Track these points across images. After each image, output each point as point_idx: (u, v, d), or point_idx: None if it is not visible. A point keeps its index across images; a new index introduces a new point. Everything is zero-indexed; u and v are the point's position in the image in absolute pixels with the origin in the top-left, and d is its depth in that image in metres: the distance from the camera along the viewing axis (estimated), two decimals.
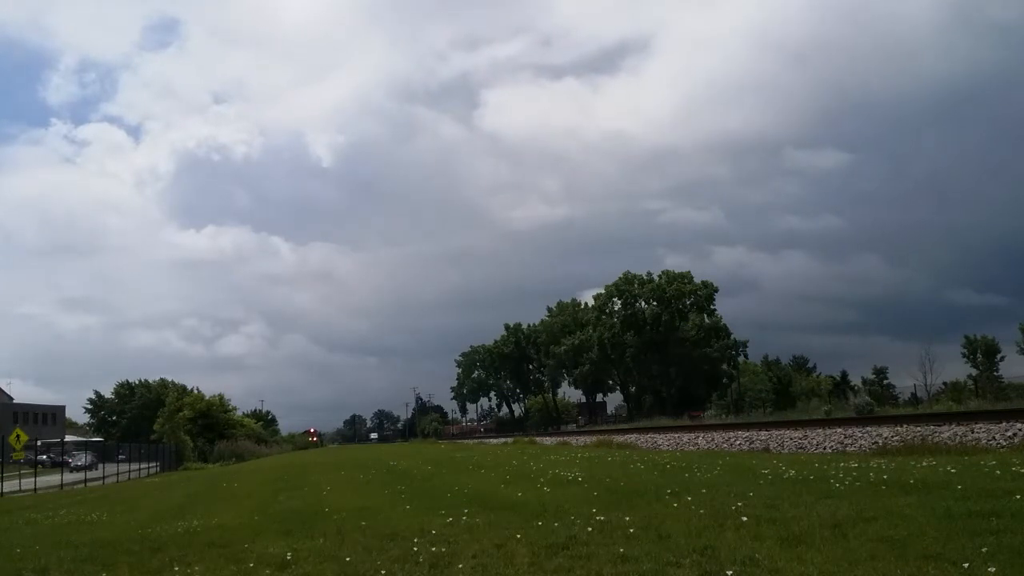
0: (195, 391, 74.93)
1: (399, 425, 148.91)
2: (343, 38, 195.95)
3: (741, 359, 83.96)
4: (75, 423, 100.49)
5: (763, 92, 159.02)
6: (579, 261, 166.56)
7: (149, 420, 70.91)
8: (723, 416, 61.95)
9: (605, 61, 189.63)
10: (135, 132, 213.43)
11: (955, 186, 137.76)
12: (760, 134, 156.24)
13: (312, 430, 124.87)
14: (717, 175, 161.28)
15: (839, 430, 18.13)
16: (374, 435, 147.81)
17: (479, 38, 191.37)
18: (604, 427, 56.13)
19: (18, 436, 31.45)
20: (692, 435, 25.08)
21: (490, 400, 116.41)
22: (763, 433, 20.81)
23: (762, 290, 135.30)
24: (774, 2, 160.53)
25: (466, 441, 62.53)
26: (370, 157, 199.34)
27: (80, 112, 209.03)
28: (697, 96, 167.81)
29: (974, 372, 65.85)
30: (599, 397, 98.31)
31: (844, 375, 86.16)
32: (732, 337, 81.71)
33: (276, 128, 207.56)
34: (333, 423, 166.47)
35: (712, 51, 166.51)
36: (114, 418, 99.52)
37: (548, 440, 38.68)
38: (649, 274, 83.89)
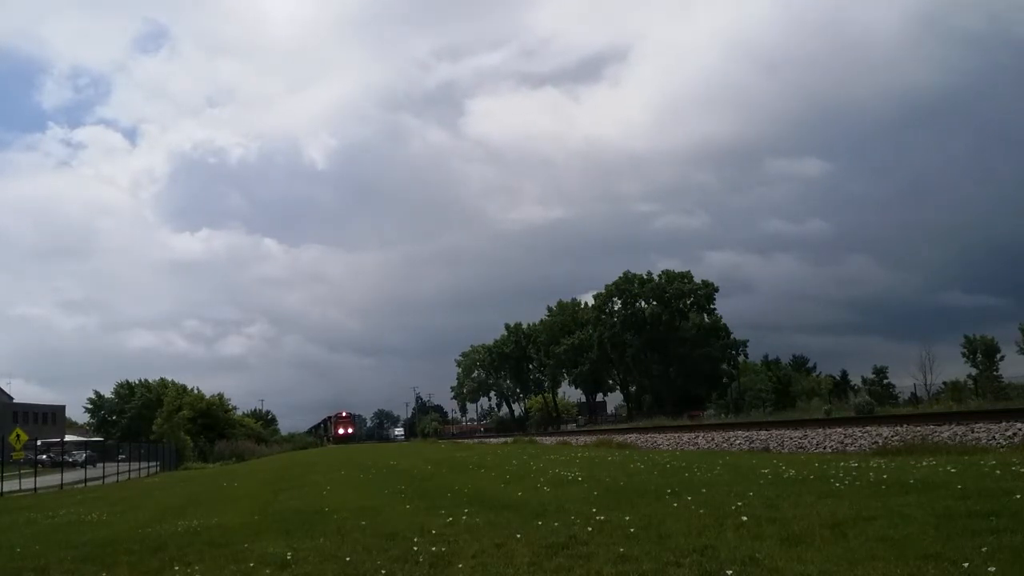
0: (195, 391, 74.95)
1: (399, 425, 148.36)
2: (330, 48, 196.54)
3: (741, 359, 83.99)
4: (75, 423, 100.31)
5: (741, 100, 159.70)
6: (574, 263, 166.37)
7: (149, 420, 70.74)
8: (723, 416, 61.89)
9: (586, 70, 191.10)
10: (131, 135, 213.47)
11: (939, 191, 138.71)
12: (741, 141, 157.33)
13: (344, 414, 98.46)
14: (702, 181, 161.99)
15: (839, 430, 18.15)
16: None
17: (462, 49, 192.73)
18: (604, 427, 56.08)
19: (18, 436, 31.44)
20: (692, 435, 25.09)
21: (490, 400, 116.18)
22: (763, 433, 20.82)
23: (756, 292, 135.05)
24: (750, 13, 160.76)
25: (466, 441, 62.39)
26: (363, 161, 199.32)
27: (75, 115, 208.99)
28: (677, 104, 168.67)
29: (974, 372, 65.81)
30: (599, 397, 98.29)
31: (844, 375, 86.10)
32: (732, 337, 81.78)
33: (270, 132, 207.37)
34: None
35: (690, 61, 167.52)
36: (114, 418, 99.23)
37: (548, 440, 38.65)
38: (649, 274, 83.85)
